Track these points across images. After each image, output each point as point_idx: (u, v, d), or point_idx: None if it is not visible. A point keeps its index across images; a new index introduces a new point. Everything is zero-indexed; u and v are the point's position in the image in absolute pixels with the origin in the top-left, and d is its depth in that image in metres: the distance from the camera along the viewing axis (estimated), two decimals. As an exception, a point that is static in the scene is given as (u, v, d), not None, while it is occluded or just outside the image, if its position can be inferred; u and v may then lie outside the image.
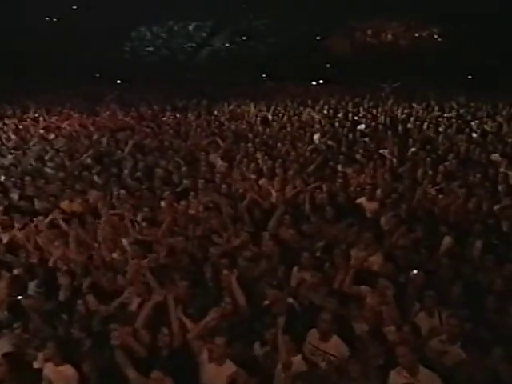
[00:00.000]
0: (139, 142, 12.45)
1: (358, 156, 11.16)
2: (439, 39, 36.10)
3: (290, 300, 5.71)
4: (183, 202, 8.45)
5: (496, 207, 8.26)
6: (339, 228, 7.30)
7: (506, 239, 7.20)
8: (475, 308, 5.44)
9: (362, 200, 8.67)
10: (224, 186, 9.03)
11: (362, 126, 15.02)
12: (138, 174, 10.21)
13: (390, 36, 38.06)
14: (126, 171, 10.37)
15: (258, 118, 15.62)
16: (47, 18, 42.97)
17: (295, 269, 6.47)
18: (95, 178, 9.94)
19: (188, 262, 6.61)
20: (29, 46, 32.20)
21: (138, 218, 7.94)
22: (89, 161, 10.85)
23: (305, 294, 5.82)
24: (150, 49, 38.21)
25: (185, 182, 9.68)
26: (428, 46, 34.93)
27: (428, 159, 10.63)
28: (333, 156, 11.20)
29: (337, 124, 14.92)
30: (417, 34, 37.13)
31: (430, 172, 9.96)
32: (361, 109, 17.61)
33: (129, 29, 39.82)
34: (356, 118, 16.34)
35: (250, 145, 11.96)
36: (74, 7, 43.89)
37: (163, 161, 10.80)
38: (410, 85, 22.58)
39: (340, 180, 9.30)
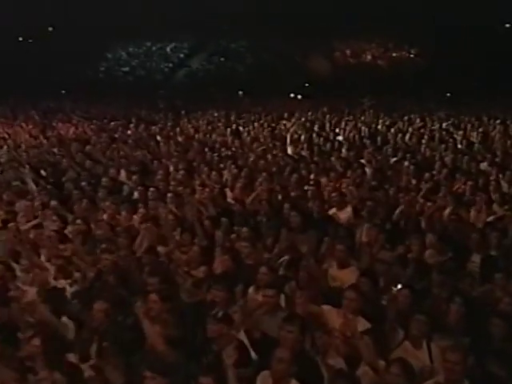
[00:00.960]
0: (90, 152, 11.07)
1: (332, 165, 9.94)
2: (417, 58, 35.64)
3: (240, 334, 4.30)
4: (124, 213, 7.08)
5: (491, 218, 7.11)
6: (307, 240, 5.95)
7: (506, 252, 5.97)
8: (478, 335, 4.15)
9: (333, 210, 7.42)
10: (171, 195, 7.65)
11: (340, 138, 13.88)
12: (82, 183, 8.81)
13: (369, 56, 37.53)
14: (67, 181, 8.96)
15: (229, 130, 14.34)
16: (20, 39, 42.06)
17: (251, 289, 5.12)
18: (30, 187, 8.51)
19: (116, 283, 5.19)
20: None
21: (67, 231, 6.54)
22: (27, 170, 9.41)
23: (257, 323, 4.43)
24: (126, 69, 37.13)
25: (135, 192, 8.33)
26: (406, 65, 34.47)
27: (412, 167, 9.51)
28: (305, 165, 9.96)
29: (314, 135, 13.74)
30: (395, 54, 36.68)
31: (414, 181, 8.92)
32: (338, 121, 16.47)
33: (105, 49, 38.87)
34: (333, 129, 15.18)
35: (215, 154, 10.65)
36: (50, 29, 43.06)
37: (113, 170, 9.42)
38: (389, 100, 21.60)
39: (310, 188, 8.02)
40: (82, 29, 36.07)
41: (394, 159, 10.83)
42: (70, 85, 30.28)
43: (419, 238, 6.00)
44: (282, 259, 5.67)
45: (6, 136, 12.99)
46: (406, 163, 9.83)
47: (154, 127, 14.96)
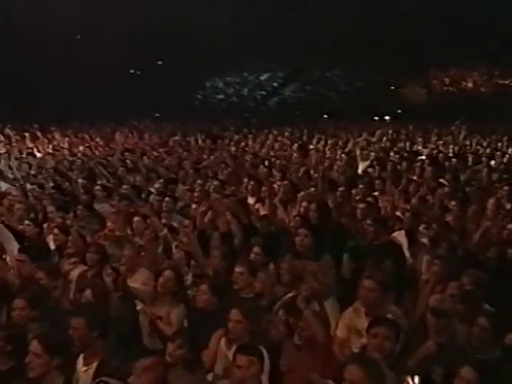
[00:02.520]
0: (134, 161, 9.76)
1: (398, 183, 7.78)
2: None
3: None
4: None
5: None
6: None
7: None
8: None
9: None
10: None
11: (423, 157, 11.52)
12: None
13: (469, 84, 34.11)
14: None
15: (295, 146, 12.48)
16: (132, 71, 43.70)
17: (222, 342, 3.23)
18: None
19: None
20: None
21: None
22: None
23: None
24: (221, 96, 36.83)
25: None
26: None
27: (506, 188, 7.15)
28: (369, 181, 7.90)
29: (391, 153, 11.55)
30: (498, 82, 33.03)
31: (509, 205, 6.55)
32: (426, 141, 14.10)
33: (204, 79, 39.05)
34: (416, 149, 12.83)
35: (262, 166, 8.88)
36: (159, 62, 44.41)
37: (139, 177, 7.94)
38: (486, 123, 18.63)
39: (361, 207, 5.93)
40: (187, 61, 36.58)
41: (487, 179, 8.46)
42: (167, 110, 30.30)
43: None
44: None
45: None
46: (506, 187, 7.39)
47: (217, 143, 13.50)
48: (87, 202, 6.85)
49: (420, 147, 13.32)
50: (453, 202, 6.33)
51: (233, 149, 12.44)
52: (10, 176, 9.43)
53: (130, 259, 4.64)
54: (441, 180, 8.30)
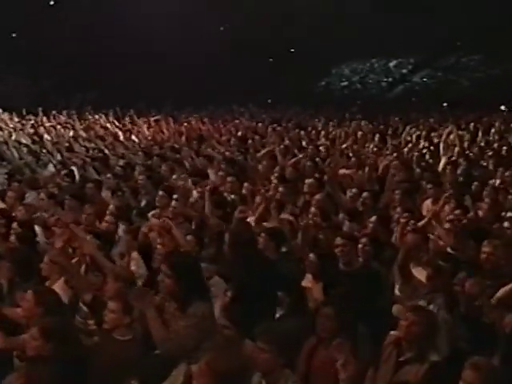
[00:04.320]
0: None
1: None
2: None
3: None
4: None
5: None
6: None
7: None
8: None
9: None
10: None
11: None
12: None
13: None
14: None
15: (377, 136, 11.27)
16: (270, 60, 44.06)
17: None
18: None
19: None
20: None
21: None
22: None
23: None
24: (345, 83, 35.39)
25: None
26: None
27: None
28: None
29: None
30: None
31: None
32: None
33: (331, 66, 37.90)
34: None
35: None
36: (292, 50, 44.15)
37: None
38: None
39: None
40: (316, 49, 35.84)
41: None
42: (286, 97, 29.90)
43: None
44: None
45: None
46: None
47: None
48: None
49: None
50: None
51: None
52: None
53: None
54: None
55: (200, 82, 29.15)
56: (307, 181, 6.92)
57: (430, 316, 3.39)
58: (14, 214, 5.79)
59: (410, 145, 10.65)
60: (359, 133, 12.61)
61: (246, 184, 6.77)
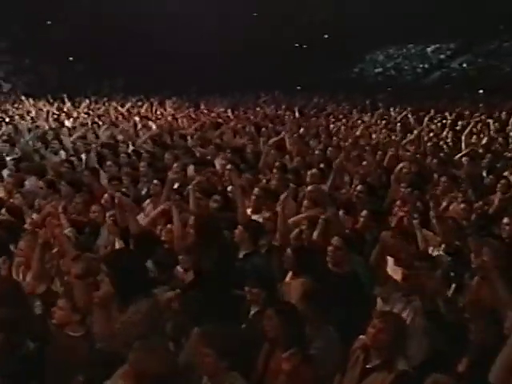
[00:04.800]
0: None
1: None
2: None
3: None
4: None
5: None
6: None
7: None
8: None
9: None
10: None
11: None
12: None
13: None
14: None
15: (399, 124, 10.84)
16: (296, 45, 43.49)
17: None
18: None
19: None
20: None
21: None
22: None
23: None
24: (379, 70, 34.43)
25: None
26: None
27: None
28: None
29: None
30: None
31: None
32: None
33: (365, 52, 36.95)
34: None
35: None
36: (326, 36, 43.39)
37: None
38: None
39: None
40: (352, 35, 35.05)
41: None
42: (318, 84, 29.40)
43: None
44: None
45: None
46: None
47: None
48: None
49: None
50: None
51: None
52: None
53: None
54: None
55: (228, 69, 29.04)
56: (310, 171, 6.67)
57: (399, 323, 3.13)
58: (7, 200, 5.80)
59: (431, 134, 10.18)
60: (382, 121, 12.20)
61: (246, 174, 6.56)
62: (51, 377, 3.18)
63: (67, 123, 12.43)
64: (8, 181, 6.57)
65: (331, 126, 11.73)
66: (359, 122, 11.88)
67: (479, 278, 3.44)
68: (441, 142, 9.48)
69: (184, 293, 3.53)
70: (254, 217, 5.15)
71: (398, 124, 11.13)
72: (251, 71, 29.67)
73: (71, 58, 28.48)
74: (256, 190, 5.81)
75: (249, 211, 5.42)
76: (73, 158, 7.93)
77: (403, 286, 3.48)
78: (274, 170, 6.65)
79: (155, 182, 6.10)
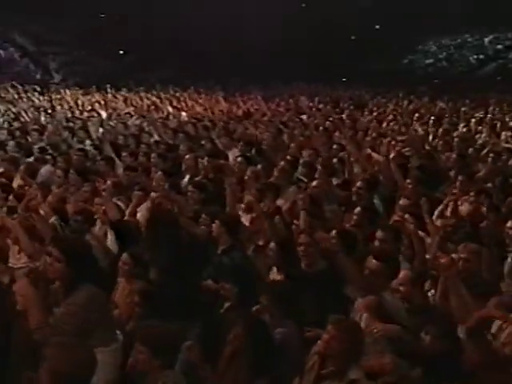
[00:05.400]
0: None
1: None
2: None
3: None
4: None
5: None
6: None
7: None
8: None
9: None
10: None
11: None
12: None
13: None
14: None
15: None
16: (353, 38, 42.50)
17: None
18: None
19: None
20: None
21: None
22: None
23: None
24: (430, 61, 33.08)
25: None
26: None
27: None
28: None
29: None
30: None
31: None
32: None
33: (417, 43, 35.62)
34: None
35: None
36: (377, 27, 42.17)
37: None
38: None
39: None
40: (404, 25, 33.94)
41: None
42: (363, 75, 28.74)
43: None
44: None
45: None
46: None
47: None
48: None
49: None
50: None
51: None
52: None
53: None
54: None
55: (274, 60, 28.80)
56: (319, 166, 6.52)
57: (353, 330, 2.99)
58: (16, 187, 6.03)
59: (461, 128, 9.71)
60: (416, 114, 11.76)
61: (251, 167, 6.50)
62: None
63: (103, 113, 12.80)
64: (22, 169, 6.76)
65: (361, 119, 11.42)
66: (390, 115, 11.48)
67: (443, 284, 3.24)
68: (477, 136, 9.06)
69: (145, 287, 3.53)
70: (244, 216, 5.09)
71: (432, 117, 10.68)
72: (296, 63, 29.34)
73: (121, 52, 29.16)
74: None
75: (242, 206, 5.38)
76: (89, 148, 8.13)
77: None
78: (282, 162, 6.55)
79: (159, 173, 6.16)
